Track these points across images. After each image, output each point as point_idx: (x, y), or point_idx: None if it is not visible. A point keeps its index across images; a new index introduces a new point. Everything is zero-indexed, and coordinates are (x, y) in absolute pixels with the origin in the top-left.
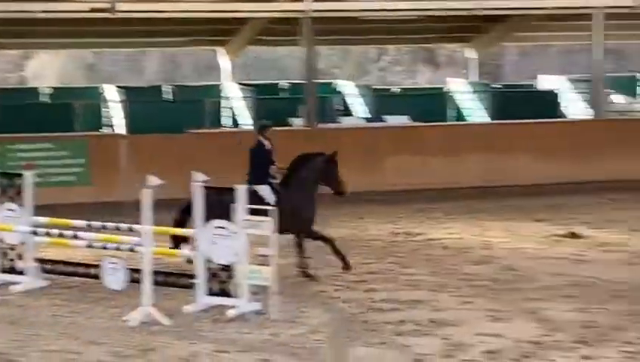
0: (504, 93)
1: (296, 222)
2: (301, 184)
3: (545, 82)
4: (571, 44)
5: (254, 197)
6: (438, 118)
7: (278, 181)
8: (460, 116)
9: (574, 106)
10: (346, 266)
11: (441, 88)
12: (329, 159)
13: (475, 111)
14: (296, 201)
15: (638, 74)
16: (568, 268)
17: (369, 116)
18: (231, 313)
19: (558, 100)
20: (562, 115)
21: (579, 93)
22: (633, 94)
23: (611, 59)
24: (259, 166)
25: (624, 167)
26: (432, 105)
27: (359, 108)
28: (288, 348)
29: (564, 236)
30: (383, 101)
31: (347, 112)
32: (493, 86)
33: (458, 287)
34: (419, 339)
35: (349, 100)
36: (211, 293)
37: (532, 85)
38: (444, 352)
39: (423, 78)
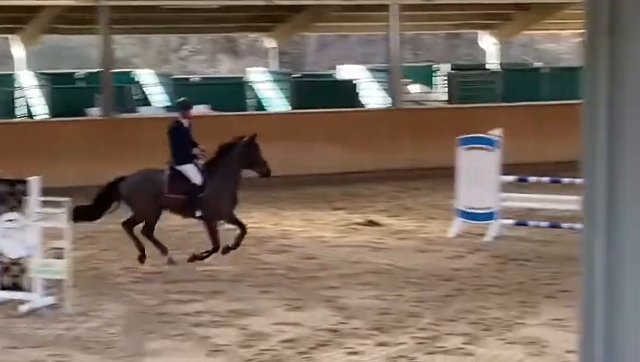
0: (304, 82)
1: (207, 209)
2: (224, 172)
3: (345, 72)
4: (370, 34)
5: (180, 178)
6: (239, 107)
7: (201, 163)
8: (260, 105)
9: (373, 95)
10: (199, 257)
11: (241, 77)
12: (249, 142)
13: (275, 100)
14: (216, 191)
15: (435, 64)
16: (366, 255)
17: (168, 105)
18: (23, 308)
19: (358, 90)
20: (361, 104)
21: (377, 82)
22: (430, 84)
23: (410, 49)
24: (180, 146)
25: (420, 156)
26: (232, 94)
27: (159, 97)
28: (83, 343)
29: (362, 224)
30: (182, 90)
31: (146, 102)
32: (294, 75)
33: (257, 277)
34: (217, 330)
35: (148, 90)
36: (3, 288)
37: (332, 75)
38: (243, 342)
39: (224, 67)
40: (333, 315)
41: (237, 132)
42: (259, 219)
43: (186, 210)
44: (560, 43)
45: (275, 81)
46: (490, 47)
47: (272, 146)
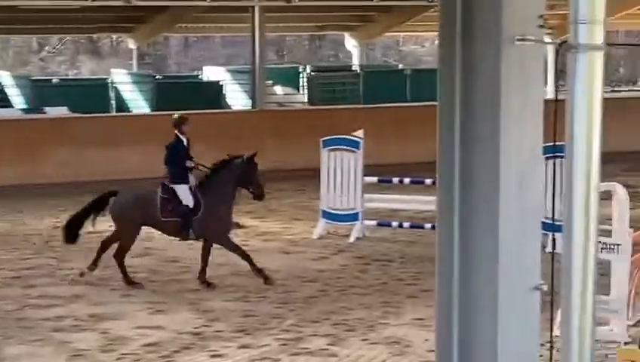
0: (167, 83)
1: (209, 228)
2: (218, 189)
3: (210, 73)
4: (234, 35)
5: (173, 197)
6: (101, 109)
7: (195, 178)
8: (123, 107)
9: (238, 97)
10: (266, 279)
11: (104, 79)
12: (249, 161)
13: (138, 101)
14: (213, 208)
15: (301, 66)
16: (229, 257)
17: (27, 107)
18: None
19: (223, 91)
20: (227, 106)
21: (242, 84)
22: (297, 86)
23: (275, 50)
24: (176, 162)
25: (284, 157)
26: (93, 95)
27: (18, 99)
28: None
29: None
30: (43, 92)
31: (5, 103)
32: (157, 77)
33: (118, 280)
34: (78, 335)
35: (7, 91)
36: None
37: (197, 76)
38: (104, 347)
39: (87, 69)
40: (197, 318)
41: (95, 133)
42: None
43: (180, 233)
44: (423, 45)
45: (138, 82)
46: (354, 49)
47: (132, 148)
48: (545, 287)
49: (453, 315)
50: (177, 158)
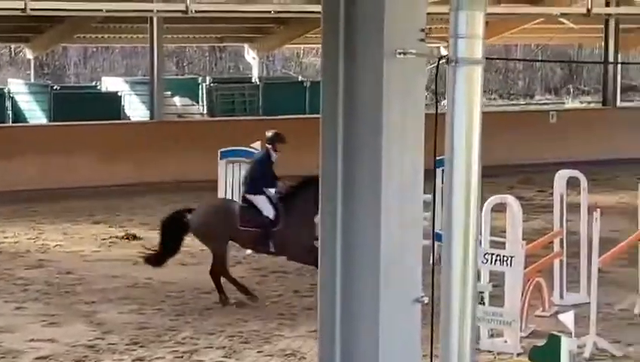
0: (65, 94)
1: (288, 243)
2: (301, 205)
3: (109, 84)
4: (133, 45)
5: (253, 210)
6: None
7: (278, 195)
8: (19, 117)
9: (138, 108)
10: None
11: (1, 89)
12: None
13: (36, 112)
14: (292, 222)
15: (201, 77)
16: (125, 269)
17: None
18: None
19: (122, 102)
20: (126, 117)
21: (141, 95)
22: (196, 97)
23: (176, 61)
24: (259, 177)
25: (182, 169)
26: None
27: None
28: None
29: (122, 238)
30: None
31: None
32: (55, 87)
33: (12, 293)
34: None
35: None
36: None
37: (96, 87)
38: None
39: None
40: (91, 331)
41: None
42: (15, 234)
43: (258, 245)
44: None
45: (36, 92)
46: (254, 60)
47: (29, 159)
48: (426, 299)
49: (335, 327)
50: (261, 173)
